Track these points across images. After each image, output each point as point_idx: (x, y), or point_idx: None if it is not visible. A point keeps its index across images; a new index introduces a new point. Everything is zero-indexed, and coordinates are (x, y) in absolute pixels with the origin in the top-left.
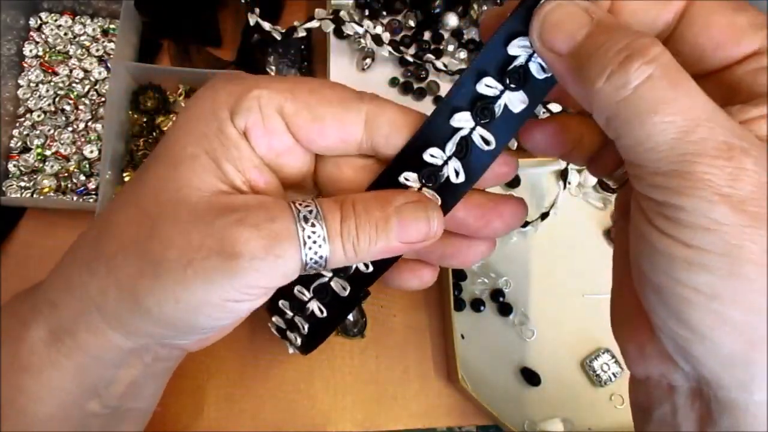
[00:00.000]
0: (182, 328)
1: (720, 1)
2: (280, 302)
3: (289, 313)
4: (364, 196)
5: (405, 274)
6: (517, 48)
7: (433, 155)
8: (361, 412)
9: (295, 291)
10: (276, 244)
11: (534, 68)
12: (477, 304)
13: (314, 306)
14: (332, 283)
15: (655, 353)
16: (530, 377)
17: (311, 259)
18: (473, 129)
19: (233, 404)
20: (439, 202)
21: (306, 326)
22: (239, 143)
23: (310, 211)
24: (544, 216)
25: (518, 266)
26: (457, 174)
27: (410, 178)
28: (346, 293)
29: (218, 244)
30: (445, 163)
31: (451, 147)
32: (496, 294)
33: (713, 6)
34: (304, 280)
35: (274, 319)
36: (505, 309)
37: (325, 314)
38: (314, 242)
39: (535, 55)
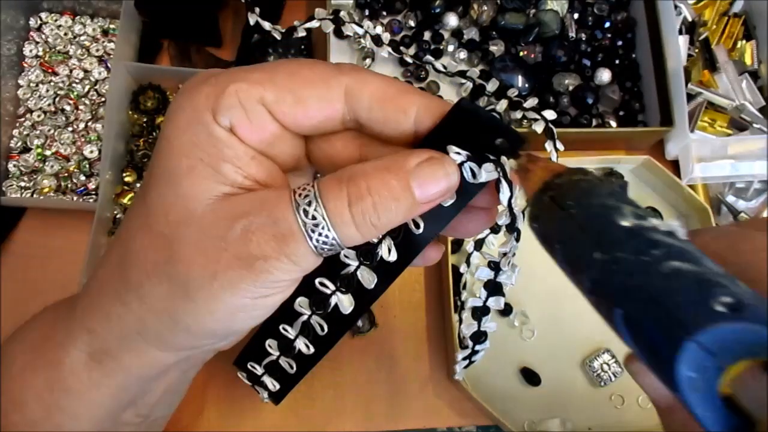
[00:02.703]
0: (224, 334)
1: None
2: (267, 342)
3: (290, 333)
4: (376, 168)
5: None
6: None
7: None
8: (361, 412)
9: (296, 305)
10: (284, 243)
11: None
12: None
13: (314, 321)
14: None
15: None
16: (530, 377)
17: (321, 243)
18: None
19: (233, 404)
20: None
21: (308, 344)
22: (230, 141)
23: (309, 203)
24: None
25: (518, 266)
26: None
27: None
28: (350, 310)
29: (234, 254)
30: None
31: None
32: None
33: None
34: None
35: (248, 365)
36: (505, 309)
37: (326, 330)
38: (315, 227)
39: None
